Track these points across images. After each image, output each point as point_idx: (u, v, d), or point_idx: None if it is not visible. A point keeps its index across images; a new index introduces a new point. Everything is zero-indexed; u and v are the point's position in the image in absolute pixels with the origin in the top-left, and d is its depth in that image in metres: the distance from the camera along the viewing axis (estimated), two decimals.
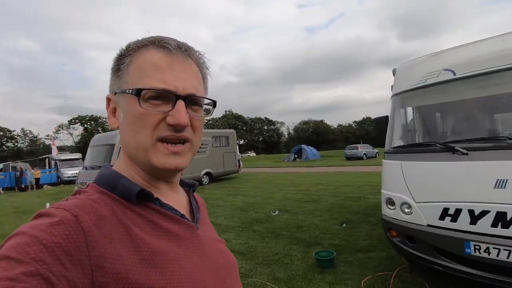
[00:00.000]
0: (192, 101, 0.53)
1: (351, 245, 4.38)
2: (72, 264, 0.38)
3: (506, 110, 3.13)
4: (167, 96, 0.50)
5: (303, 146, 33.65)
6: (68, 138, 58.81)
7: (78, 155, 22.28)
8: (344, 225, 5.48)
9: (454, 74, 2.82)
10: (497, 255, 2.23)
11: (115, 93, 0.54)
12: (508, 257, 2.18)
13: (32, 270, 0.36)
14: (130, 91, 0.49)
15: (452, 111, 3.47)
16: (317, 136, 63.84)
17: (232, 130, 16.26)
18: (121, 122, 0.53)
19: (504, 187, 2.24)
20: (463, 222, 2.42)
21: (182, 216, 0.56)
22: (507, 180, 2.24)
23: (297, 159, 31.60)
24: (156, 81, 0.49)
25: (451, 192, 2.53)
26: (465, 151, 2.50)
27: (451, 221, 2.49)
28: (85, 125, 57.48)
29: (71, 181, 18.51)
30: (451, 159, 2.59)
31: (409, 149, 3.09)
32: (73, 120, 57.73)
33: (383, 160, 3.31)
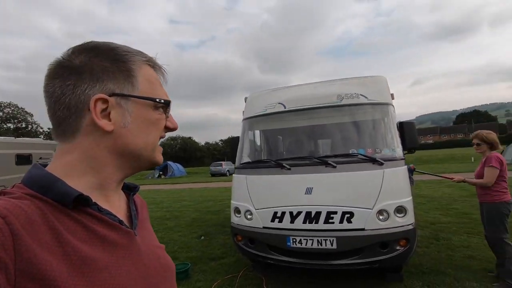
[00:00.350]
0: None
1: (206, 255, 4.68)
2: None
3: (320, 137, 4.28)
4: (168, 106, 0.61)
5: (169, 162, 32.74)
6: None
7: None
8: (203, 237, 5.78)
9: (285, 107, 3.67)
10: (306, 244, 3.01)
11: (111, 96, 0.53)
12: (312, 244, 2.98)
13: None
14: (163, 101, 0.58)
15: (286, 135, 4.43)
16: (184, 152, 63.43)
17: None
18: (125, 125, 0.54)
19: (310, 193, 3.08)
20: (286, 221, 3.13)
21: (120, 222, 0.55)
22: (312, 188, 3.09)
23: (162, 176, 30.41)
24: (164, 94, 0.61)
25: (279, 198, 3.23)
26: (288, 167, 3.28)
27: (278, 222, 3.17)
28: None
29: None
30: (280, 173, 3.32)
31: (253, 165, 3.72)
32: None
33: (233, 174, 3.82)
